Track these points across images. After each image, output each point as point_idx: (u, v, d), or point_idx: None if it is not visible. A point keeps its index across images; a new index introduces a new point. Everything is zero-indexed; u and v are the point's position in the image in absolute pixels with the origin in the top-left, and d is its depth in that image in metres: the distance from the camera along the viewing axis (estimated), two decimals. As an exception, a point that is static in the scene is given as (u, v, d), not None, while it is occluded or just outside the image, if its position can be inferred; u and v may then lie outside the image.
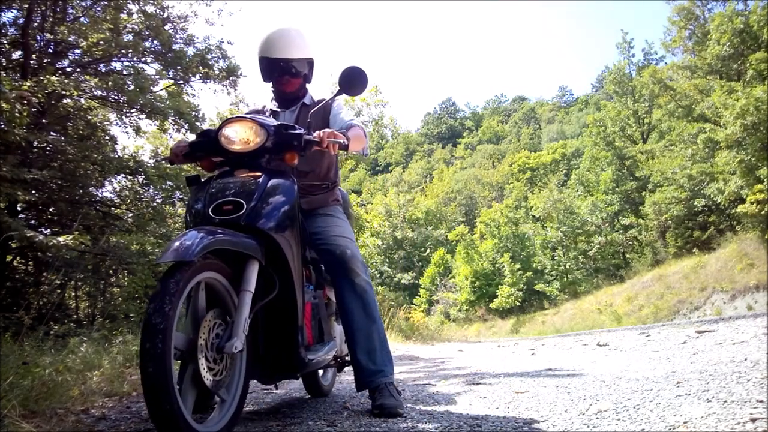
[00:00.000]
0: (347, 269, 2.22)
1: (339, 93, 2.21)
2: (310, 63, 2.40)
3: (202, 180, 2.00)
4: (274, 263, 1.88)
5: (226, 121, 1.98)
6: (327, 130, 2.05)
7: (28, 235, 4.96)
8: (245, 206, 1.80)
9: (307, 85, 2.51)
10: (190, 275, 1.55)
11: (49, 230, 6.73)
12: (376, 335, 2.22)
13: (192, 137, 8.23)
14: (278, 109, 2.47)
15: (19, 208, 6.71)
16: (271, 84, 2.46)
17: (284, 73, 2.34)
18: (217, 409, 1.72)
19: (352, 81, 2.15)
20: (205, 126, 8.13)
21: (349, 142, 2.11)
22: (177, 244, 1.54)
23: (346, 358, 2.59)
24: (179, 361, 1.63)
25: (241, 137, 1.95)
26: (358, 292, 2.22)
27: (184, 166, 7.69)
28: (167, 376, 1.41)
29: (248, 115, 2.02)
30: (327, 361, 2.35)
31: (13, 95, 4.77)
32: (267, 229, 1.82)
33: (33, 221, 6.99)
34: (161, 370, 1.40)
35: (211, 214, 1.80)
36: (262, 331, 1.95)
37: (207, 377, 1.61)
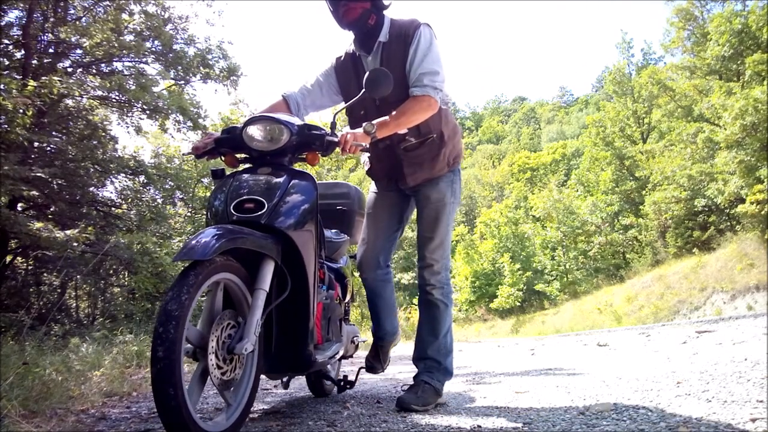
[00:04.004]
0: (426, 285, 2.36)
1: (364, 95, 2.09)
2: None
3: (226, 174, 2.02)
4: (290, 263, 1.88)
5: (251, 119, 1.98)
6: (351, 132, 2.02)
7: (34, 229, 4.98)
8: (266, 205, 1.82)
9: (386, 15, 2.22)
10: (209, 272, 1.58)
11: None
12: (435, 349, 2.37)
13: (194, 136, 8.27)
14: (360, 52, 2.27)
15: (19, 208, 6.71)
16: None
17: (344, 0, 2.11)
18: (225, 408, 1.74)
19: (378, 83, 2.06)
20: (208, 123, 8.15)
21: (376, 131, 2.02)
22: (194, 242, 1.56)
23: (349, 378, 2.62)
24: (190, 360, 1.66)
25: (264, 136, 1.96)
26: (430, 307, 2.38)
27: (185, 166, 7.71)
28: (176, 362, 1.43)
29: (273, 115, 2.02)
30: (334, 361, 2.44)
31: (15, 95, 4.79)
32: (286, 228, 1.83)
33: (33, 221, 6.99)
34: (171, 354, 1.42)
35: (232, 210, 1.82)
36: (275, 330, 1.97)
37: (215, 375, 1.63)
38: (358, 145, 2.00)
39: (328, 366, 2.83)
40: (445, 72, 2.20)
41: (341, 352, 2.54)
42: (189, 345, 1.58)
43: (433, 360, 2.36)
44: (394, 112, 2.12)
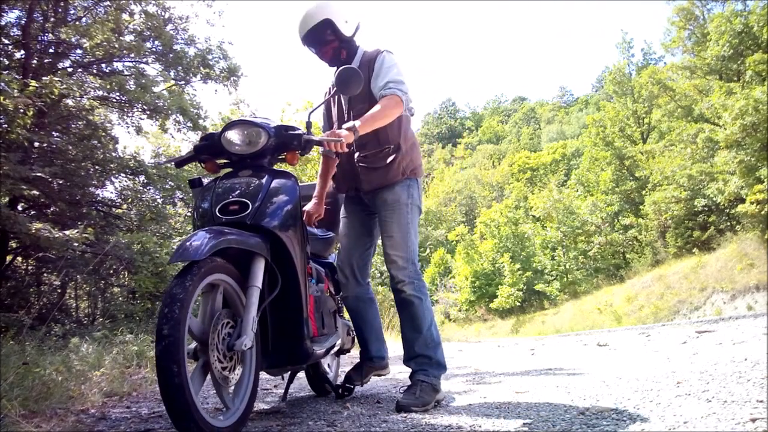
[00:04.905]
0: (396, 283, 2.40)
1: (335, 93, 2.25)
2: (328, 23, 2.34)
3: (205, 182, 2.08)
4: (278, 260, 1.94)
5: (229, 125, 2.05)
6: (337, 131, 2.12)
7: (34, 229, 4.98)
8: (250, 206, 1.88)
9: (356, 40, 2.48)
10: (206, 271, 1.64)
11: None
12: (421, 345, 2.39)
13: (194, 136, 8.27)
14: None
15: (20, 208, 6.71)
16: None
17: (315, 45, 2.39)
18: (230, 404, 1.77)
19: (348, 81, 2.15)
20: (209, 123, 8.17)
21: (357, 131, 2.12)
22: (188, 244, 1.61)
23: (348, 386, 2.64)
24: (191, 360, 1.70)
25: (243, 139, 2.02)
26: (406, 306, 2.41)
27: (185, 166, 7.70)
28: (180, 340, 1.48)
29: (249, 118, 2.08)
30: (331, 353, 2.50)
31: (17, 95, 4.79)
32: (272, 227, 1.89)
33: (34, 221, 6.98)
34: (176, 333, 1.47)
35: (218, 213, 1.88)
36: (271, 326, 2.02)
37: (217, 368, 1.68)
38: (336, 141, 2.05)
39: (326, 365, 2.87)
40: (408, 87, 2.39)
41: (338, 345, 2.60)
42: (191, 344, 1.62)
43: (423, 356, 2.38)
44: (369, 111, 2.23)
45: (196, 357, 1.68)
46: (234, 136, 2.02)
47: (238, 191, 1.93)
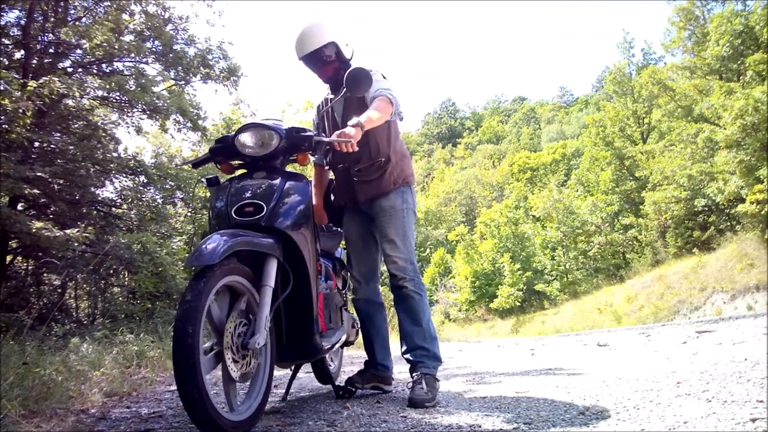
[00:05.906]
0: (397, 280, 2.52)
1: (345, 93, 2.30)
2: (333, 46, 2.48)
3: (221, 181, 2.14)
4: (290, 259, 2.00)
5: (242, 128, 2.12)
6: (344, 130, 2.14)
7: (34, 228, 4.98)
8: (265, 208, 1.94)
9: (352, 62, 2.57)
10: (222, 273, 1.69)
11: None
12: (420, 337, 2.52)
13: (194, 137, 8.27)
14: (331, 96, 2.62)
15: (20, 207, 6.71)
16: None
17: (317, 64, 2.50)
18: (246, 399, 1.81)
19: (357, 81, 2.23)
20: (208, 123, 8.20)
21: (362, 126, 2.16)
22: (203, 247, 1.66)
23: (349, 388, 2.69)
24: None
25: (255, 142, 2.09)
26: (405, 299, 2.53)
27: (185, 167, 7.71)
28: (200, 309, 1.53)
29: (262, 121, 2.15)
30: (338, 346, 2.63)
31: (17, 94, 4.80)
32: (285, 228, 1.95)
33: (34, 221, 6.96)
34: (197, 300, 1.54)
35: (233, 215, 1.94)
36: (285, 321, 2.08)
37: (232, 368, 1.73)
38: (346, 141, 2.07)
39: (329, 358, 2.95)
40: (396, 96, 2.50)
41: (344, 339, 2.70)
42: (207, 343, 1.68)
43: (422, 348, 2.49)
44: (366, 112, 2.29)
45: (211, 350, 1.72)
46: (247, 138, 2.08)
47: (253, 193, 1.99)
